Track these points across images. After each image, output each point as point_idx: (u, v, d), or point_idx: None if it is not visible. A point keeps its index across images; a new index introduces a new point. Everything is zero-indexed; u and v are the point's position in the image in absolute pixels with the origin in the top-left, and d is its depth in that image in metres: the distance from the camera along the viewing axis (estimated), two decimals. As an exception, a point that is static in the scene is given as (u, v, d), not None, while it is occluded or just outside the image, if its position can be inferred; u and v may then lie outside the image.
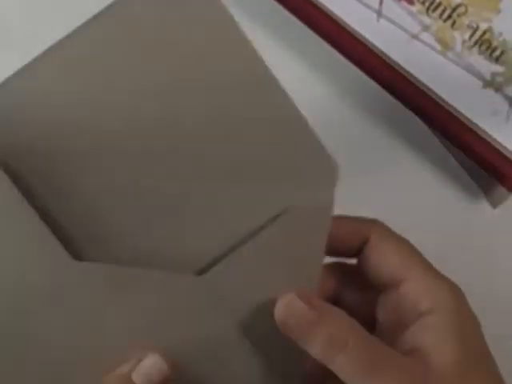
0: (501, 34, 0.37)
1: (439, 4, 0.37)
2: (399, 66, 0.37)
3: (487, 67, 0.37)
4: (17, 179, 0.25)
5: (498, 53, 0.37)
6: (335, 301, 0.31)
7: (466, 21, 0.37)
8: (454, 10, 0.37)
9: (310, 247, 0.28)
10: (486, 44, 0.37)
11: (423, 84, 0.37)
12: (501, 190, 0.38)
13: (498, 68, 0.37)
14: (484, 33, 0.37)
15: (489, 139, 0.36)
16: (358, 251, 0.29)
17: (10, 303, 0.26)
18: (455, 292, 0.28)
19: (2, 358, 0.26)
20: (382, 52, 0.37)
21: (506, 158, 0.36)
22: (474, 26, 0.37)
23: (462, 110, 0.37)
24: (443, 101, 0.37)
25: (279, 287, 0.27)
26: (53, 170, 0.26)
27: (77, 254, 0.26)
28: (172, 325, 0.28)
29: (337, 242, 0.29)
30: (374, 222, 0.29)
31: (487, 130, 0.36)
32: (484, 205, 0.39)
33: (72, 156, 0.26)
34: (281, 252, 0.28)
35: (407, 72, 0.37)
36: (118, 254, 0.27)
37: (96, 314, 0.27)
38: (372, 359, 0.26)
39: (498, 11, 0.37)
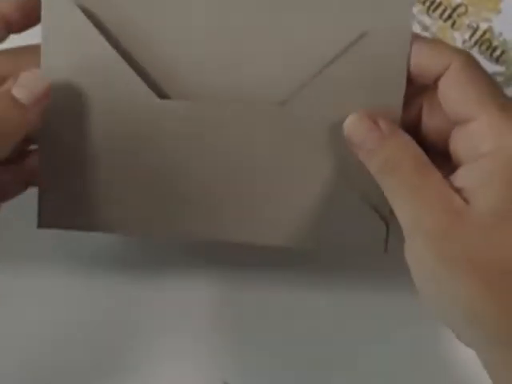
0: (501, 33, 0.37)
1: (439, 4, 0.38)
2: (400, 65, 0.37)
3: (487, 67, 0.37)
4: (102, 27, 0.29)
5: (498, 53, 0.37)
6: (415, 126, 0.30)
7: (466, 21, 0.37)
8: (454, 10, 0.38)
9: (392, 68, 0.28)
10: (486, 44, 0.37)
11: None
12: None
13: (499, 68, 0.37)
14: (484, 33, 0.37)
15: (490, 139, 0.36)
16: (438, 77, 0.28)
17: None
18: None
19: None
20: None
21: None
22: (475, 25, 0.37)
23: (463, 110, 0.37)
24: (444, 100, 0.37)
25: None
26: (134, 21, 0.29)
27: (161, 96, 0.29)
28: (254, 154, 0.30)
29: (417, 65, 0.28)
30: (458, 51, 0.28)
31: (488, 129, 0.36)
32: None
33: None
34: (362, 76, 0.29)
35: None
36: (199, 92, 0.30)
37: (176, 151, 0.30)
38: (418, 185, 0.26)
39: (498, 11, 0.37)
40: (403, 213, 0.27)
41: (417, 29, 0.37)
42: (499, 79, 0.37)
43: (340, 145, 0.29)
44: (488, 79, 0.27)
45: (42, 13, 0.29)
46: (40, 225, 0.30)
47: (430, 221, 0.25)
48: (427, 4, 0.38)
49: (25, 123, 0.28)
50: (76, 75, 0.29)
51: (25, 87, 0.28)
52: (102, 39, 0.29)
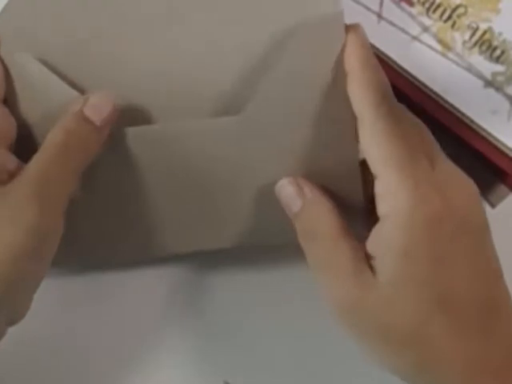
0: (501, 33, 0.37)
1: (439, 5, 0.38)
2: (400, 67, 0.37)
3: (488, 67, 0.37)
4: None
5: (498, 52, 0.37)
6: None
7: (466, 21, 0.37)
8: (453, 10, 0.38)
9: (330, 59, 0.29)
10: (486, 44, 0.37)
11: (424, 85, 0.37)
12: (499, 189, 0.38)
13: (499, 67, 0.37)
14: (484, 33, 0.37)
15: (490, 138, 0.36)
16: None
17: None
18: (419, 192, 0.26)
19: None
20: (383, 53, 0.38)
21: (507, 156, 0.36)
22: (474, 26, 0.37)
23: (463, 110, 0.37)
24: (444, 101, 0.37)
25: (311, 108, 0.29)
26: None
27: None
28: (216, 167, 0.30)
29: None
30: (369, 108, 0.28)
31: (488, 129, 0.36)
32: (483, 204, 0.39)
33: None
34: (304, 72, 0.29)
35: (408, 73, 0.37)
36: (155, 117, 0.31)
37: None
38: (329, 258, 0.27)
39: (498, 11, 0.37)
40: (319, 281, 0.28)
41: (417, 30, 0.38)
42: (500, 79, 0.37)
43: (300, 146, 0.29)
44: (396, 132, 0.27)
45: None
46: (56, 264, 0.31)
47: (341, 294, 0.27)
48: (427, 5, 0.38)
49: (98, 144, 0.29)
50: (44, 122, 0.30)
51: (96, 108, 0.29)
52: (63, 84, 0.30)
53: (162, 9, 0.30)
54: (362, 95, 0.28)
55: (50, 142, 0.28)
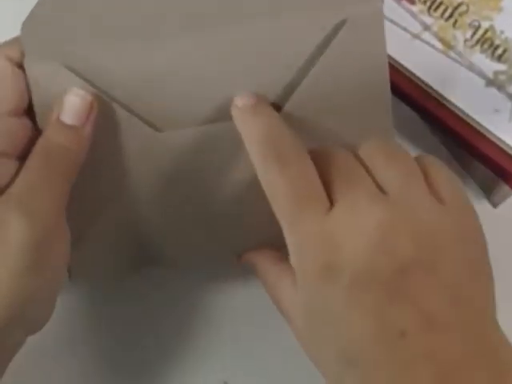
0: (503, 32, 0.37)
1: (440, 3, 0.37)
2: (401, 65, 0.37)
3: (489, 66, 0.37)
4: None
5: (500, 51, 0.37)
6: None
7: (467, 20, 0.37)
8: (455, 9, 0.37)
9: (372, 58, 0.29)
10: (488, 42, 0.37)
11: (425, 83, 0.37)
12: (501, 189, 0.38)
13: (501, 66, 0.37)
14: (486, 31, 0.37)
15: (492, 138, 0.36)
16: None
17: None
18: (305, 248, 0.25)
19: None
20: (384, 52, 0.37)
21: (509, 155, 0.36)
22: (476, 24, 0.37)
23: (465, 109, 0.36)
24: (446, 100, 0.37)
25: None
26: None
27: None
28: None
29: None
30: None
31: (490, 128, 0.36)
32: (484, 204, 0.39)
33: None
34: (347, 70, 0.29)
35: (409, 71, 0.37)
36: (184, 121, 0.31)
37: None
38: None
39: (500, 9, 0.37)
40: None
41: (418, 28, 0.37)
42: (502, 78, 0.37)
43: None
44: None
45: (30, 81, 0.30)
46: (71, 278, 0.32)
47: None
48: (428, 3, 0.37)
49: (84, 144, 0.29)
50: None
51: (72, 111, 0.29)
52: (92, 90, 0.30)
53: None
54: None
55: (33, 154, 0.28)
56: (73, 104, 0.29)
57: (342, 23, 0.29)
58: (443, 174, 0.27)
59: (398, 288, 0.24)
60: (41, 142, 0.29)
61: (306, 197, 0.25)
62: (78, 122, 0.29)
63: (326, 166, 0.26)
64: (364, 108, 0.30)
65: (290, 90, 0.29)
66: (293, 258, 0.26)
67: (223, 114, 0.30)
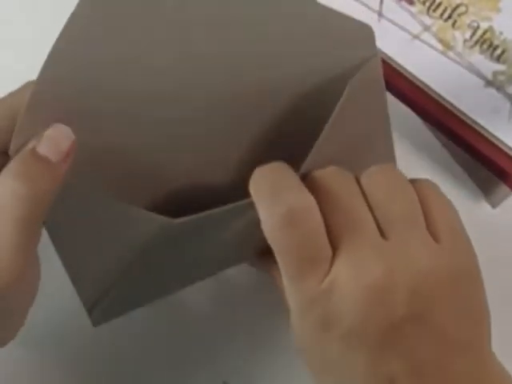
0: (501, 32, 0.37)
1: (440, 4, 0.38)
2: (400, 66, 0.37)
3: (489, 66, 0.37)
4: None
5: (499, 52, 0.37)
6: None
7: (466, 20, 0.37)
8: (454, 9, 0.37)
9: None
10: (487, 43, 0.37)
11: (424, 84, 0.37)
12: (500, 189, 0.38)
13: (500, 67, 0.37)
14: (485, 32, 0.37)
15: (491, 138, 0.36)
16: None
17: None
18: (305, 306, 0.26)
19: None
20: (383, 52, 0.37)
21: (508, 156, 0.36)
22: (475, 25, 0.37)
23: (464, 110, 0.37)
24: (445, 100, 0.37)
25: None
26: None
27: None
28: None
29: None
30: None
31: (489, 128, 0.36)
32: (483, 205, 0.39)
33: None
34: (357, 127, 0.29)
35: (408, 72, 0.37)
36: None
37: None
38: None
39: (499, 10, 0.37)
40: None
41: (417, 29, 0.38)
42: (501, 78, 0.37)
43: None
44: None
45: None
46: (94, 325, 0.32)
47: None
48: (427, 4, 0.38)
49: (56, 181, 0.26)
50: None
51: (51, 144, 0.26)
52: None
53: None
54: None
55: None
56: (53, 137, 0.26)
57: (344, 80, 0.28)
58: (440, 203, 0.28)
59: (390, 340, 0.25)
60: (4, 173, 0.26)
61: (311, 258, 0.26)
62: (54, 156, 0.26)
63: (330, 205, 0.26)
64: (373, 151, 0.30)
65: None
66: (293, 313, 0.26)
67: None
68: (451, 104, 0.37)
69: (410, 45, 0.37)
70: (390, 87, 0.38)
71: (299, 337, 0.27)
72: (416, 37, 0.38)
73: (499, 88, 0.37)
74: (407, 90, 0.37)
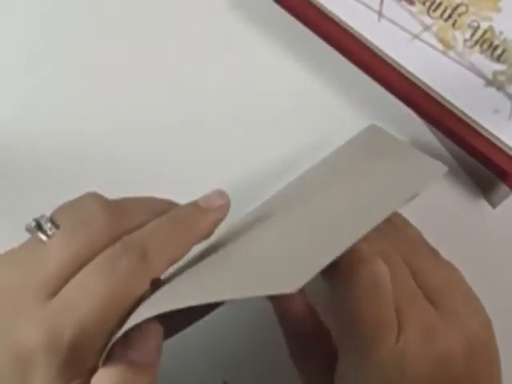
0: (502, 32, 0.37)
1: (440, 4, 0.37)
2: (400, 65, 0.37)
3: (489, 66, 0.37)
4: None
5: (499, 51, 0.37)
6: None
7: (466, 20, 0.37)
8: (454, 9, 0.37)
9: None
10: (487, 43, 0.37)
11: (425, 84, 0.37)
12: (500, 189, 0.38)
13: (500, 67, 0.37)
14: (485, 32, 0.37)
15: (491, 138, 0.36)
16: None
17: None
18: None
19: None
20: (383, 52, 0.37)
21: (508, 156, 0.36)
22: (475, 25, 0.37)
23: (464, 109, 0.37)
24: (445, 100, 0.37)
25: None
26: None
27: None
28: None
29: None
30: None
31: (489, 128, 0.36)
32: (483, 205, 0.39)
33: None
34: None
35: (408, 72, 0.37)
36: None
37: None
38: None
39: (499, 10, 0.37)
40: None
41: (417, 29, 0.37)
42: (501, 78, 0.37)
43: None
44: None
45: None
46: None
47: None
48: (427, 4, 0.37)
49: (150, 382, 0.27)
50: None
51: (141, 349, 0.26)
52: None
53: None
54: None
55: None
56: (143, 345, 0.26)
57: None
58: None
59: None
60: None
61: (387, 325, 0.28)
62: (149, 359, 0.26)
63: (394, 283, 0.28)
64: None
65: None
66: (360, 373, 0.28)
67: None
68: (451, 104, 0.37)
69: (409, 45, 0.37)
70: (390, 87, 0.38)
71: None
72: (416, 37, 0.38)
73: (499, 88, 0.37)
74: (407, 89, 0.37)
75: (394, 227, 0.32)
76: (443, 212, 0.36)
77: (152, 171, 0.38)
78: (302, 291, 0.32)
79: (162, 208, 0.30)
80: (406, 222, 0.34)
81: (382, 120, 0.39)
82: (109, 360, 0.26)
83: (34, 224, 0.27)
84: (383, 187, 0.30)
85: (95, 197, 0.29)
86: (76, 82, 0.40)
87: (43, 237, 0.27)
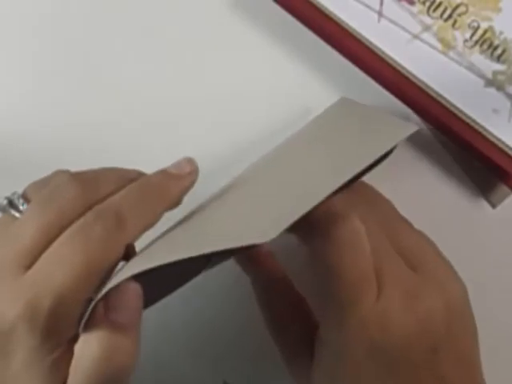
0: (502, 32, 0.37)
1: (440, 4, 0.37)
2: (400, 66, 0.37)
3: (489, 66, 0.37)
4: None
5: (499, 51, 0.37)
6: None
7: (466, 20, 0.37)
8: (454, 9, 0.37)
9: None
10: (487, 43, 0.37)
11: (425, 84, 0.37)
12: (500, 189, 0.38)
13: (500, 67, 0.37)
14: (485, 32, 0.37)
15: (491, 138, 0.36)
16: None
17: None
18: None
19: None
20: (383, 52, 0.37)
21: (508, 156, 0.36)
22: (475, 25, 0.37)
23: (464, 110, 0.37)
24: (445, 100, 0.37)
25: None
26: None
27: None
28: None
29: None
30: None
31: (489, 128, 0.36)
32: (483, 205, 0.39)
33: None
34: None
35: (408, 72, 0.37)
36: None
37: None
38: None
39: (499, 10, 0.37)
40: None
41: (417, 29, 0.37)
42: (501, 78, 0.37)
43: None
44: None
45: None
46: None
47: None
48: (427, 4, 0.37)
49: (136, 344, 0.27)
50: None
51: (121, 310, 0.26)
52: None
53: None
54: None
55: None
56: (123, 302, 0.26)
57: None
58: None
59: (429, 365, 0.27)
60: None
61: (368, 280, 0.28)
62: (127, 321, 0.26)
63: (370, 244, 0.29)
64: None
65: None
66: (344, 337, 0.28)
67: None
68: (451, 104, 0.37)
69: (409, 45, 0.37)
70: (390, 87, 0.38)
71: (344, 364, 0.28)
72: (416, 37, 0.37)
73: (499, 88, 0.37)
74: (407, 89, 0.37)
75: (366, 199, 0.32)
76: (443, 212, 0.36)
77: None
78: (275, 261, 0.33)
79: (131, 177, 0.30)
80: (378, 194, 0.34)
81: (381, 120, 0.39)
82: (90, 325, 0.26)
83: (5, 202, 0.28)
84: (355, 146, 0.30)
85: (64, 171, 0.29)
86: (71, 81, 0.40)
87: (16, 213, 0.28)
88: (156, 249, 0.28)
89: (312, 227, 0.28)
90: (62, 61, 0.40)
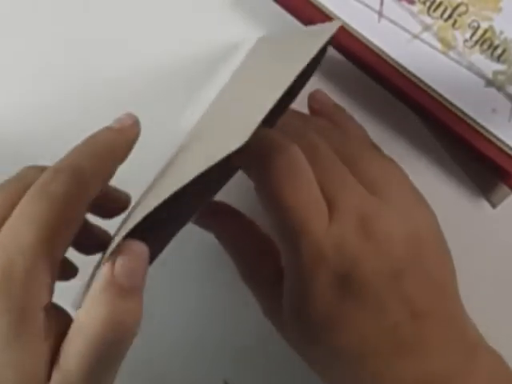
0: (502, 32, 0.37)
1: (440, 4, 0.37)
2: (400, 65, 0.37)
3: (489, 66, 0.37)
4: None
5: (499, 51, 0.37)
6: None
7: (467, 20, 0.37)
8: (454, 9, 0.37)
9: None
10: (487, 43, 0.37)
11: (425, 83, 0.37)
12: (500, 189, 0.38)
13: (500, 66, 0.37)
14: (485, 32, 0.37)
15: (491, 138, 0.36)
16: None
17: None
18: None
19: None
20: (384, 52, 0.37)
21: (508, 156, 0.36)
22: (475, 25, 0.37)
23: (464, 109, 0.37)
24: (445, 100, 0.37)
25: None
26: None
27: None
28: None
29: None
30: None
31: (489, 128, 0.36)
32: (483, 205, 0.39)
33: None
34: None
35: (409, 72, 0.37)
36: None
37: None
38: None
39: (499, 10, 0.37)
40: None
41: (417, 28, 0.37)
42: (501, 78, 0.37)
43: None
44: None
45: None
46: None
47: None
48: (428, 4, 0.37)
49: (141, 306, 0.26)
50: None
51: (130, 274, 0.26)
52: None
53: None
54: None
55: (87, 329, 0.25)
56: (131, 264, 0.26)
57: None
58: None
59: (393, 289, 0.27)
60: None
61: (316, 207, 0.28)
62: (135, 284, 0.26)
63: (320, 170, 0.29)
64: None
65: None
66: (302, 268, 0.28)
67: None
68: (451, 104, 0.37)
69: (410, 44, 0.37)
70: (390, 86, 0.38)
71: (308, 295, 0.28)
72: (416, 37, 0.37)
73: (499, 88, 0.37)
74: (407, 89, 0.37)
75: (337, 125, 0.32)
76: (443, 212, 0.36)
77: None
78: (235, 210, 0.33)
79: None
80: (349, 118, 0.34)
81: (381, 118, 0.39)
82: (96, 288, 0.26)
83: None
84: (286, 62, 0.30)
85: (34, 166, 0.30)
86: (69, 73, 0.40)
87: None
88: (144, 200, 0.28)
89: (253, 160, 0.29)
90: (61, 61, 0.40)
